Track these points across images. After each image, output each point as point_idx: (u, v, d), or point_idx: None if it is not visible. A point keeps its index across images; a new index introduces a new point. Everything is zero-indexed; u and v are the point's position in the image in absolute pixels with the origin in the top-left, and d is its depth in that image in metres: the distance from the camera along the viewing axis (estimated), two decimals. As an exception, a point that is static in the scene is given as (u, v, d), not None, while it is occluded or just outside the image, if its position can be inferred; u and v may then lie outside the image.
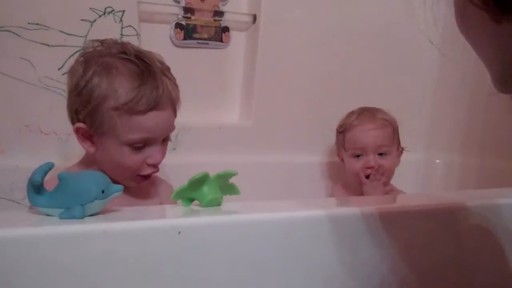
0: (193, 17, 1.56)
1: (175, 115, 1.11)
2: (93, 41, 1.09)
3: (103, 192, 0.75)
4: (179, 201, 0.84)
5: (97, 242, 0.71)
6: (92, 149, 1.07)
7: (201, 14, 1.56)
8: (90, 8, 1.39)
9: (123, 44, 1.09)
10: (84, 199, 0.74)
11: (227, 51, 1.64)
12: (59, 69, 1.37)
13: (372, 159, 1.43)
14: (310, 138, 1.68)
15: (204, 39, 1.59)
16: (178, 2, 1.55)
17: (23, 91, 1.35)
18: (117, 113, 1.01)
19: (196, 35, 1.57)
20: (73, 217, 0.73)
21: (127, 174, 1.08)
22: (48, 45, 1.36)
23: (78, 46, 1.38)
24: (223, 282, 0.78)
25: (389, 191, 1.45)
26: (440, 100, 1.83)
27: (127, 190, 1.11)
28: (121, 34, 1.43)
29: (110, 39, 1.10)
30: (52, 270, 0.69)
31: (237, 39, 1.65)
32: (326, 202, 0.92)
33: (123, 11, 1.43)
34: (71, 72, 1.07)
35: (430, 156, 1.82)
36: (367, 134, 1.44)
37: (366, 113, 1.49)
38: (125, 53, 1.05)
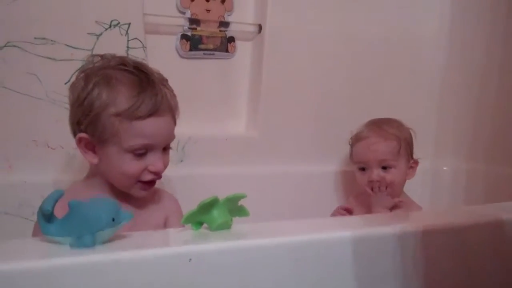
0: (198, 28, 1.55)
1: (174, 123, 1.13)
2: (93, 56, 1.12)
3: (113, 220, 0.75)
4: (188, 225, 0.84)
5: (109, 271, 0.71)
6: (95, 160, 1.09)
7: (207, 25, 1.56)
8: (96, 22, 1.39)
9: (121, 57, 1.12)
10: (95, 227, 0.74)
11: (233, 61, 1.64)
12: (65, 83, 1.36)
13: (374, 173, 1.43)
14: (317, 148, 1.67)
15: (210, 49, 1.58)
16: (184, 13, 1.54)
17: (30, 105, 1.35)
18: (118, 119, 1.03)
19: (202, 46, 1.57)
20: (84, 246, 0.73)
21: (130, 182, 1.09)
22: (54, 59, 1.36)
23: (84, 60, 1.37)
24: (235, 308, 0.78)
25: (398, 202, 1.43)
26: (446, 107, 1.82)
27: (133, 203, 1.13)
28: (127, 47, 1.43)
29: (109, 54, 1.12)
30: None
31: (243, 49, 1.65)
32: (336, 223, 0.91)
33: (129, 24, 1.42)
34: (72, 87, 1.10)
35: (437, 163, 1.82)
36: (369, 149, 1.45)
37: (373, 126, 1.48)
38: (124, 64, 1.08)
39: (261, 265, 0.79)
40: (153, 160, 1.08)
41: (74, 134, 1.10)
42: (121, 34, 1.42)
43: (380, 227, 0.90)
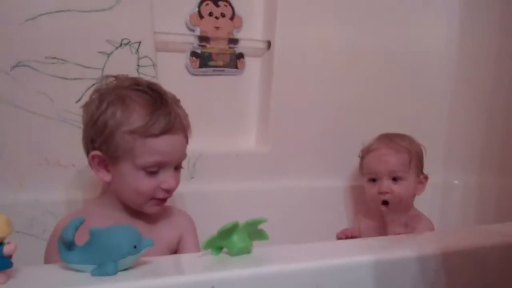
0: (208, 45, 1.55)
1: (187, 142, 1.14)
2: (107, 76, 1.14)
3: (135, 247, 0.75)
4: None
5: (132, 300, 0.71)
6: (107, 178, 1.09)
7: (216, 42, 1.56)
8: (107, 40, 1.39)
9: (135, 78, 1.15)
10: (117, 255, 0.74)
11: (242, 77, 1.64)
12: (77, 102, 1.36)
13: (385, 183, 1.43)
14: (328, 163, 1.67)
15: (220, 66, 1.58)
16: (193, 31, 1.55)
17: (41, 124, 1.34)
18: (132, 136, 1.04)
19: (211, 63, 1.57)
20: (106, 274, 0.73)
21: (142, 199, 1.09)
22: (65, 78, 1.36)
23: (95, 79, 1.37)
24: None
25: (415, 216, 1.44)
26: (457, 120, 1.82)
27: (145, 220, 1.14)
28: (138, 65, 1.43)
29: (123, 74, 1.14)
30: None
31: (252, 65, 1.65)
32: (356, 246, 0.91)
33: (139, 42, 1.42)
34: (86, 106, 1.12)
35: (448, 177, 1.81)
36: (380, 159, 1.45)
37: (384, 139, 1.49)
38: (137, 84, 1.10)
39: (282, 290, 0.79)
40: (165, 178, 1.08)
41: (87, 153, 1.11)
42: (132, 53, 1.42)
43: (400, 250, 0.90)
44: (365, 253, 0.85)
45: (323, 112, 1.67)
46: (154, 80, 1.42)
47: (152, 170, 1.06)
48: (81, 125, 1.33)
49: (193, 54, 1.54)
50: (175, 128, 1.08)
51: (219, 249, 0.84)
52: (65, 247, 0.75)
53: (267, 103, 1.62)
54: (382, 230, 1.45)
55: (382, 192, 1.43)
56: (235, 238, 0.82)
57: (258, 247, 0.86)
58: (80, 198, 1.37)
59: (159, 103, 1.07)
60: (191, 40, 1.54)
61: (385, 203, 1.44)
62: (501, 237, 1.00)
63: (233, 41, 1.58)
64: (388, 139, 1.49)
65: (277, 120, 1.62)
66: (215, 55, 1.57)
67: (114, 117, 1.05)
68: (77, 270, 0.75)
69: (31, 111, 1.33)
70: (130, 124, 1.04)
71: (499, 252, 0.97)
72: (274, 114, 1.61)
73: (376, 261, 0.83)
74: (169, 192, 1.10)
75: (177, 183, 1.12)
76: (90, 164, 1.10)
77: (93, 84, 1.35)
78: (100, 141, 1.06)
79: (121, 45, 1.40)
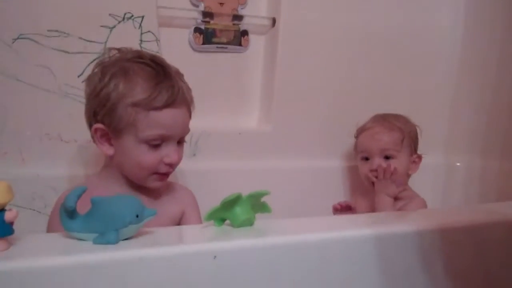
0: (212, 22, 1.54)
1: (190, 116, 1.13)
2: (110, 49, 1.13)
3: (137, 216, 0.74)
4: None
5: (133, 268, 0.71)
6: (110, 151, 1.09)
7: (220, 18, 1.55)
8: (110, 14, 1.38)
9: (138, 51, 1.13)
10: (119, 224, 0.73)
11: (246, 55, 1.62)
12: (79, 76, 1.36)
13: (376, 161, 1.44)
14: (330, 142, 1.66)
15: (223, 43, 1.57)
16: (197, 7, 1.53)
17: (43, 99, 1.33)
18: (135, 109, 1.03)
19: (215, 40, 1.56)
20: (108, 243, 0.73)
21: (145, 173, 1.09)
22: (67, 52, 1.35)
23: (97, 53, 1.36)
24: (259, 305, 0.77)
25: (403, 190, 1.44)
26: (460, 102, 1.81)
27: (148, 195, 1.13)
28: (141, 40, 1.42)
29: (125, 47, 1.13)
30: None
31: (256, 43, 1.63)
32: (358, 221, 0.90)
33: (143, 17, 1.41)
34: (89, 79, 1.11)
35: (450, 159, 1.80)
36: (373, 138, 1.46)
37: (379, 118, 1.51)
38: (140, 57, 1.08)
39: (285, 262, 0.79)
40: (168, 152, 1.08)
41: (90, 126, 1.10)
42: (135, 27, 1.41)
43: (402, 225, 0.90)
44: (367, 227, 0.85)
45: (327, 92, 1.66)
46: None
47: (155, 144, 1.06)
48: (83, 100, 1.33)
49: (197, 30, 1.53)
50: (178, 102, 1.07)
51: (222, 220, 0.83)
52: (67, 216, 0.74)
53: (271, 82, 1.61)
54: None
55: (373, 170, 1.44)
56: (238, 210, 0.82)
57: (260, 219, 0.85)
58: (81, 173, 1.36)
59: (162, 76, 1.06)
60: (195, 16, 1.52)
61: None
62: (501, 216, 0.99)
63: (238, 17, 1.57)
64: (382, 118, 1.50)
65: (280, 99, 1.60)
66: (219, 32, 1.56)
67: (117, 89, 1.04)
68: (79, 239, 0.75)
69: (33, 85, 1.32)
70: (133, 97, 1.03)
71: (499, 230, 0.96)
72: (277, 93, 1.60)
73: (378, 235, 0.83)
74: (171, 166, 1.10)
75: (180, 157, 1.11)
76: (92, 137, 1.10)
77: (96, 59, 1.35)
78: (103, 113, 1.05)
79: (123, 19, 1.39)
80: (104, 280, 0.69)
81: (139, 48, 1.40)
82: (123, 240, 0.74)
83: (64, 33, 1.34)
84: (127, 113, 1.03)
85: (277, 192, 1.39)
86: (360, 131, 1.51)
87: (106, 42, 1.38)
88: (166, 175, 1.11)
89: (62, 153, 1.36)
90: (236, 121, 1.63)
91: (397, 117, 1.50)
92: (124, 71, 1.05)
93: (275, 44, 1.60)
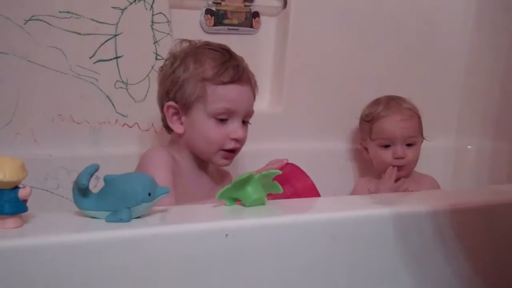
0: (223, 3, 1.53)
1: (254, 97, 1.22)
2: (181, 40, 1.24)
3: (149, 194, 0.74)
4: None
5: (146, 246, 0.71)
6: (180, 130, 1.17)
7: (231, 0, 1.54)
8: (121, -4, 1.38)
9: (207, 41, 1.25)
10: (131, 202, 0.73)
11: (257, 37, 1.62)
12: (90, 58, 1.37)
13: (400, 149, 1.44)
14: (341, 124, 1.65)
15: (234, 25, 1.56)
16: (208, -12, 1.53)
17: (55, 80, 1.34)
18: (203, 83, 1.13)
19: (226, 21, 1.55)
20: (120, 220, 0.73)
21: (212, 148, 1.16)
22: (79, 33, 1.35)
23: (109, 34, 1.37)
24: (270, 284, 0.78)
25: (419, 176, 1.49)
26: (472, 84, 1.79)
27: (207, 173, 1.23)
28: (152, 21, 1.42)
29: (196, 39, 1.25)
30: (100, 276, 0.70)
31: (268, 25, 1.62)
32: (370, 201, 0.90)
33: (154, -2, 1.41)
34: (161, 68, 1.23)
35: (461, 141, 1.79)
36: (397, 125, 1.45)
37: (393, 103, 1.49)
38: (208, 44, 1.21)
39: (296, 241, 0.79)
40: (234, 128, 1.16)
41: (162, 108, 1.20)
42: (146, 9, 1.41)
43: (413, 205, 0.90)
44: (378, 207, 0.85)
45: (338, 74, 1.65)
46: (168, 37, 1.42)
47: (222, 118, 1.15)
48: (95, 82, 1.36)
49: (208, 11, 1.52)
50: (243, 80, 1.17)
51: (233, 199, 0.84)
52: (80, 193, 0.75)
53: (282, 64, 1.60)
54: None
55: (398, 157, 1.44)
56: (250, 189, 0.82)
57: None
58: (93, 154, 1.36)
59: (228, 57, 1.17)
60: (206, -3, 1.52)
61: (399, 168, 1.44)
62: (509, 196, 0.99)
63: (249, -2, 1.56)
64: (397, 103, 1.49)
65: (291, 81, 1.60)
66: (230, 13, 1.55)
67: (187, 68, 1.15)
68: (92, 217, 0.75)
69: (44, 66, 1.33)
70: (202, 73, 1.14)
71: (508, 210, 0.96)
72: (288, 75, 1.60)
73: (389, 215, 0.83)
74: (238, 142, 1.17)
75: (245, 136, 1.19)
76: (164, 119, 1.20)
77: (107, 40, 1.36)
78: (175, 90, 1.16)
79: (135, 0, 1.39)
80: (116, 257, 0.70)
81: (150, 30, 1.41)
82: (135, 218, 0.74)
83: (76, 14, 1.34)
84: (196, 87, 1.13)
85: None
86: (377, 117, 1.49)
87: (117, 23, 1.38)
88: (232, 152, 1.18)
89: (74, 134, 1.37)
90: (247, 103, 1.62)
91: (404, 100, 1.51)
92: (194, 54, 1.17)
93: (286, 25, 1.59)
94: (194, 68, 1.14)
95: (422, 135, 1.50)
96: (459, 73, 1.81)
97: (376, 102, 1.52)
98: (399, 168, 1.44)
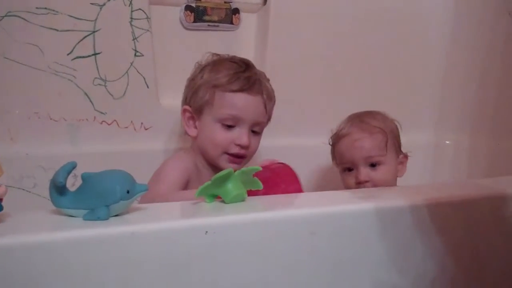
0: (203, -1, 1.53)
1: (265, 109, 1.24)
2: (212, 54, 1.29)
3: (128, 192, 0.73)
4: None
5: (124, 244, 0.70)
6: (194, 133, 1.24)
7: (211, -5, 1.53)
8: (99, -9, 1.36)
9: (233, 55, 1.30)
10: (109, 199, 0.72)
11: (237, 33, 1.61)
12: (68, 54, 1.35)
13: (362, 172, 1.26)
14: (322, 122, 1.64)
15: (214, 21, 1.55)
16: (188, -16, 1.51)
17: (31, 77, 1.32)
18: (214, 90, 1.19)
19: (206, 18, 1.54)
20: (98, 219, 0.72)
21: (217, 152, 1.20)
22: (57, 30, 1.33)
23: (87, 31, 1.36)
24: (250, 281, 0.78)
25: None
26: (450, 80, 1.80)
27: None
28: (131, 18, 1.40)
29: (225, 54, 1.30)
30: (78, 275, 0.69)
31: (248, 21, 1.61)
32: (349, 196, 0.90)
33: (133, -6, 1.39)
34: (189, 78, 1.27)
35: (439, 137, 1.80)
36: (353, 146, 1.28)
37: (355, 121, 1.33)
38: (232, 58, 1.27)
39: (276, 237, 0.79)
40: (240, 134, 1.19)
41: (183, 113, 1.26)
42: (125, 5, 1.39)
43: (393, 200, 0.90)
44: (358, 202, 0.85)
45: (318, 71, 1.65)
46: (147, 33, 1.41)
47: (228, 124, 1.19)
48: (73, 78, 1.35)
49: (188, 8, 1.51)
50: (254, 90, 1.20)
51: (213, 196, 0.83)
52: (56, 192, 0.73)
53: (262, 61, 1.58)
54: None
55: (361, 182, 1.27)
56: (230, 186, 0.82)
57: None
58: (71, 153, 1.35)
59: (244, 68, 1.22)
60: (186, -6, 1.51)
61: None
62: (489, 190, 1.00)
63: (229, -5, 1.56)
64: (359, 119, 1.32)
65: (272, 78, 1.57)
66: (210, 10, 1.54)
67: (203, 76, 1.21)
68: (69, 215, 0.74)
69: (21, 63, 1.31)
70: (215, 80, 1.19)
71: (488, 204, 0.97)
72: (269, 72, 1.57)
73: (369, 210, 0.83)
74: (242, 148, 1.19)
75: (254, 147, 1.24)
76: (182, 119, 1.25)
77: (85, 36, 1.35)
78: (190, 96, 1.23)
79: (114, -4, 1.37)
80: (94, 256, 0.69)
81: (129, 26, 1.40)
82: (113, 216, 0.73)
83: (53, 10, 1.32)
84: (207, 93, 1.19)
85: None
86: (337, 138, 1.34)
87: (96, 19, 1.37)
88: (237, 157, 1.21)
89: (51, 132, 1.36)
90: (227, 100, 1.62)
91: (373, 115, 1.33)
92: (214, 63, 1.24)
93: (266, 22, 1.59)
94: (210, 75, 1.20)
95: (398, 153, 1.33)
96: (437, 69, 1.81)
97: (344, 121, 1.36)
98: None
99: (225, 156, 1.20)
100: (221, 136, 1.19)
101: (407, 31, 1.76)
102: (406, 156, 1.35)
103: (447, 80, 1.81)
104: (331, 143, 1.37)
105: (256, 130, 1.24)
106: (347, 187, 1.31)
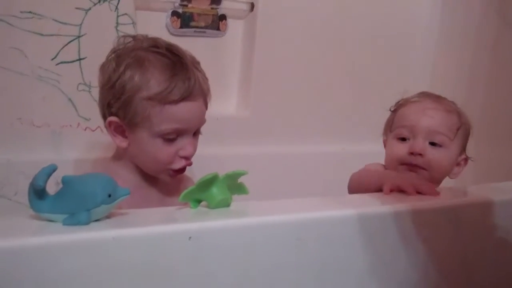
0: (190, 5, 1.51)
1: (206, 107, 1.12)
2: (124, 37, 1.09)
3: (109, 196, 0.72)
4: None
5: (106, 249, 0.69)
6: (124, 144, 1.07)
7: (198, 2, 1.52)
8: (85, -4, 1.35)
9: (154, 39, 1.10)
10: (90, 204, 0.70)
11: (224, 39, 1.60)
12: (52, 59, 1.33)
13: (420, 143, 1.10)
14: (309, 128, 1.65)
15: (201, 27, 1.55)
16: (175, -10, 1.50)
17: (15, 82, 1.30)
18: (150, 103, 1.01)
19: (193, 24, 1.53)
20: (79, 223, 0.70)
21: (160, 167, 1.08)
22: (41, 34, 1.31)
23: (72, 35, 1.34)
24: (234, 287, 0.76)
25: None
26: (437, 87, 1.79)
27: (156, 186, 1.13)
28: (117, 23, 1.39)
29: (141, 34, 1.11)
30: (57, 282, 0.66)
31: (235, 28, 1.61)
32: (335, 202, 0.89)
33: (119, -1, 1.38)
34: (103, 68, 1.08)
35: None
36: (424, 112, 1.12)
37: (431, 95, 1.19)
38: (156, 46, 1.06)
39: (261, 243, 0.77)
40: (183, 145, 1.06)
41: (104, 117, 1.08)
42: (111, 10, 1.38)
43: (378, 206, 0.89)
44: (344, 208, 0.84)
45: (306, 77, 1.65)
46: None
47: (170, 138, 1.05)
48: (57, 84, 1.32)
49: (174, 13, 1.50)
50: (194, 94, 1.05)
51: (198, 202, 0.81)
52: (36, 196, 0.71)
53: (249, 67, 1.59)
54: None
55: (414, 153, 1.10)
56: (215, 190, 0.80)
57: (237, 201, 0.84)
58: (54, 159, 1.31)
59: (178, 67, 1.03)
60: (173, -1, 1.50)
61: (413, 169, 1.12)
62: (475, 197, 0.99)
63: (216, 1, 1.55)
64: (435, 95, 1.19)
65: (258, 84, 1.59)
66: (197, 16, 1.53)
67: (132, 81, 1.02)
68: (48, 220, 0.72)
69: (5, 67, 1.30)
70: (148, 90, 1.01)
71: (473, 210, 0.96)
72: (256, 78, 1.59)
73: (354, 216, 0.82)
74: (187, 158, 1.08)
75: (195, 149, 1.10)
76: (106, 128, 1.08)
77: (70, 41, 1.33)
78: (117, 106, 1.04)
79: (99, 1, 1.36)
80: (74, 262, 0.67)
81: (115, 32, 1.38)
82: (94, 221, 0.71)
83: (38, 14, 1.31)
84: (142, 107, 1.01)
85: (254, 178, 1.39)
86: (403, 103, 1.20)
87: (81, 24, 1.36)
88: (180, 171, 1.09)
89: (34, 138, 1.34)
90: (214, 106, 1.57)
91: (452, 102, 1.20)
92: (140, 61, 1.03)
93: (253, 29, 1.59)
94: (140, 81, 1.01)
95: (462, 151, 1.18)
96: (425, 71, 1.82)
97: (415, 94, 1.23)
98: (413, 168, 1.12)
99: (168, 171, 1.08)
100: (164, 152, 1.05)
101: (395, 34, 1.78)
102: (466, 160, 1.20)
103: (434, 88, 1.80)
104: (393, 110, 1.22)
105: (196, 132, 1.11)
106: (394, 156, 1.14)
